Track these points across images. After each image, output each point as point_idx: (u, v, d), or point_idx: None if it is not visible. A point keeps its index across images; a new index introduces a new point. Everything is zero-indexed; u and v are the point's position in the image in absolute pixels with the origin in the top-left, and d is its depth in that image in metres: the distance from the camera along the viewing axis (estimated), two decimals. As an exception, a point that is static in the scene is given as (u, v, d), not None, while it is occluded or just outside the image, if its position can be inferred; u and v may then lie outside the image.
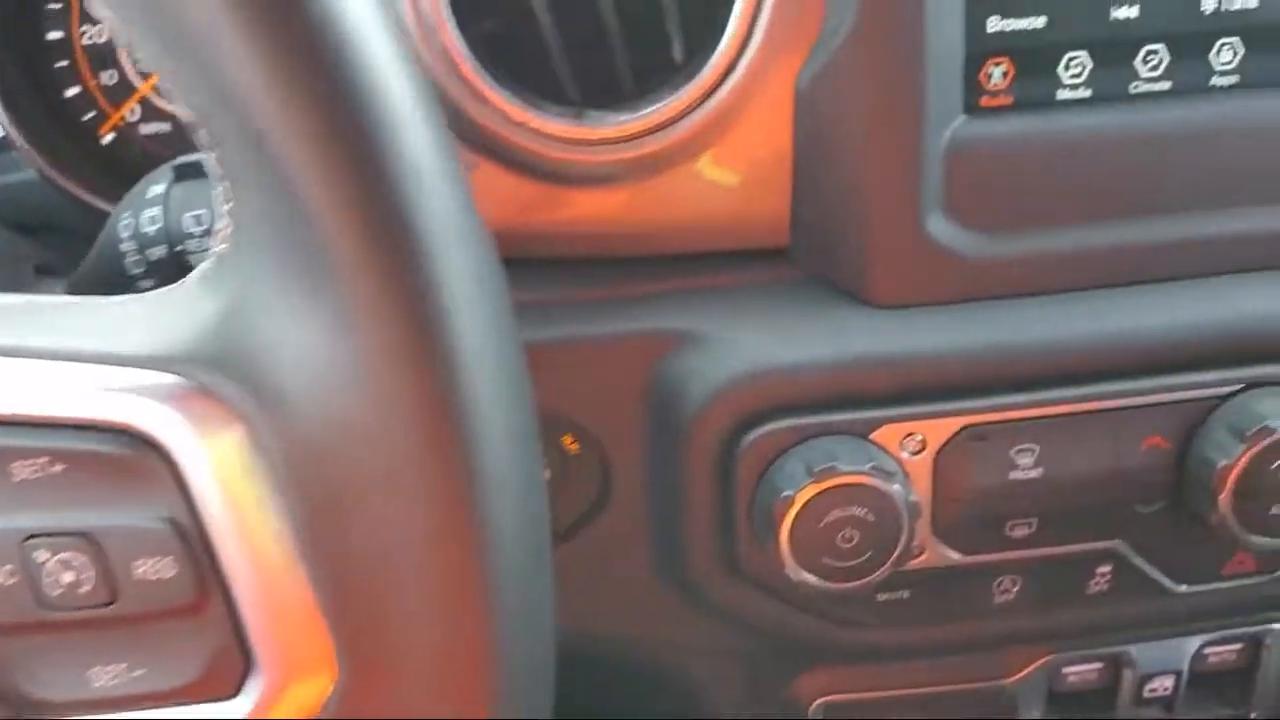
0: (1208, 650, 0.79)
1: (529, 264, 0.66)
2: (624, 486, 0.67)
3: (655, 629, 0.71)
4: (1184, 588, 0.69)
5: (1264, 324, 0.64)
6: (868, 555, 0.62)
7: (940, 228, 0.63)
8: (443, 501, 0.41)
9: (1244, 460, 0.62)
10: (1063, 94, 0.64)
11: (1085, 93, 0.64)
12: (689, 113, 0.62)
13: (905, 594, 0.67)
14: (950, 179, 0.62)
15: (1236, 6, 0.63)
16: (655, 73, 0.62)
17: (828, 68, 0.60)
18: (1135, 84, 0.64)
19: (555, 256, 0.66)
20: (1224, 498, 0.63)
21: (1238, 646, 0.80)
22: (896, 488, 0.61)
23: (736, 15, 0.60)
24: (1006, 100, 0.63)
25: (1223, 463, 0.62)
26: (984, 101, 0.63)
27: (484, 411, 0.41)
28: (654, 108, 0.61)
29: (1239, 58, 0.64)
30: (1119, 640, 0.75)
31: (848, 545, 0.62)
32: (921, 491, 0.64)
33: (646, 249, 0.66)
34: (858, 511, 0.61)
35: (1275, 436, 0.61)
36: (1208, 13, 0.63)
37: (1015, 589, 0.68)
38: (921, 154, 0.61)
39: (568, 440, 0.67)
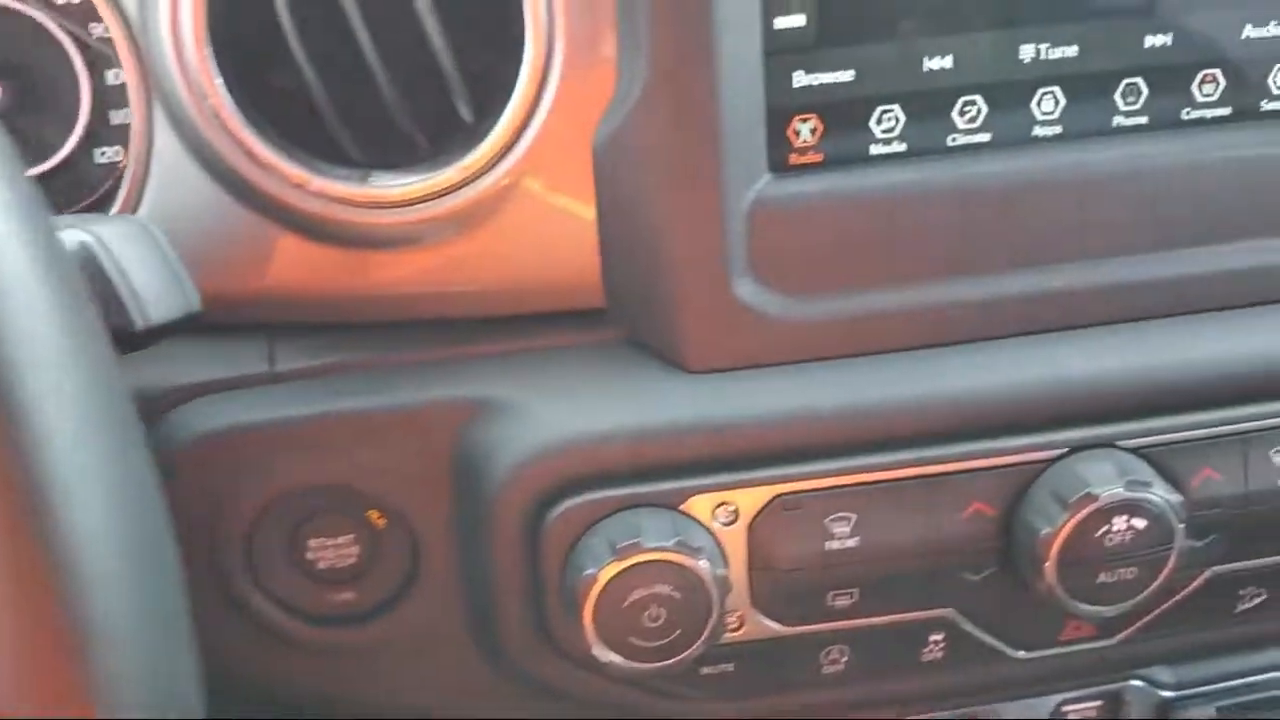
0: (1067, 708, 0.78)
1: (327, 330, 0.64)
2: (435, 561, 0.64)
3: (476, 703, 0.68)
4: (1023, 654, 0.67)
5: (1088, 385, 0.62)
6: (677, 633, 0.59)
7: (749, 291, 0.60)
8: None
9: (1067, 528, 0.60)
10: (876, 149, 0.61)
11: (899, 147, 0.61)
12: (483, 174, 0.59)
13: (730, 667, 0.65)
14: (756, 241, 0.60)
15: (1056, 55, 0.61)
16: (445, 133, 0.60)
17: (622, 128, 0.58)
18: (953, 136, 0.62)
19: (357, 322, 0.64)
20: (1049, 566, 0.60)
21: (1097, 703, 0.78)
22: (704, 563, 0.58)
23: (525, 74, 0.58)
24: (816, 157, 0.61)
25: (1046, 530, 0.60)
26: (793, 159, 0.61)
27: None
28: (443, 170, 0.59)
29: (1061, 107, 0.62)
30: (968, 703, 0.73)
31: (654, 624, 0.59)
32: (736, 563, 0.62)
33: (452, 312, 0.64)
34: (663, 589, 0.59)
35: (1098, 503, 0.59)
36: (1026, 61, 0.61)
37: (844, 659, 0.65)
38: (724, 216, 0.59)
39: (374, 515, 0.64)
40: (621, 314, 0.63)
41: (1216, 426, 0.62)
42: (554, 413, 0.61)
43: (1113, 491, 0.59)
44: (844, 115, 0.60)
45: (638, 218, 0.60)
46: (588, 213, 0.60)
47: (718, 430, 0.60)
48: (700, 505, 0.60)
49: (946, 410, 0.61)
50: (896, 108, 0.61)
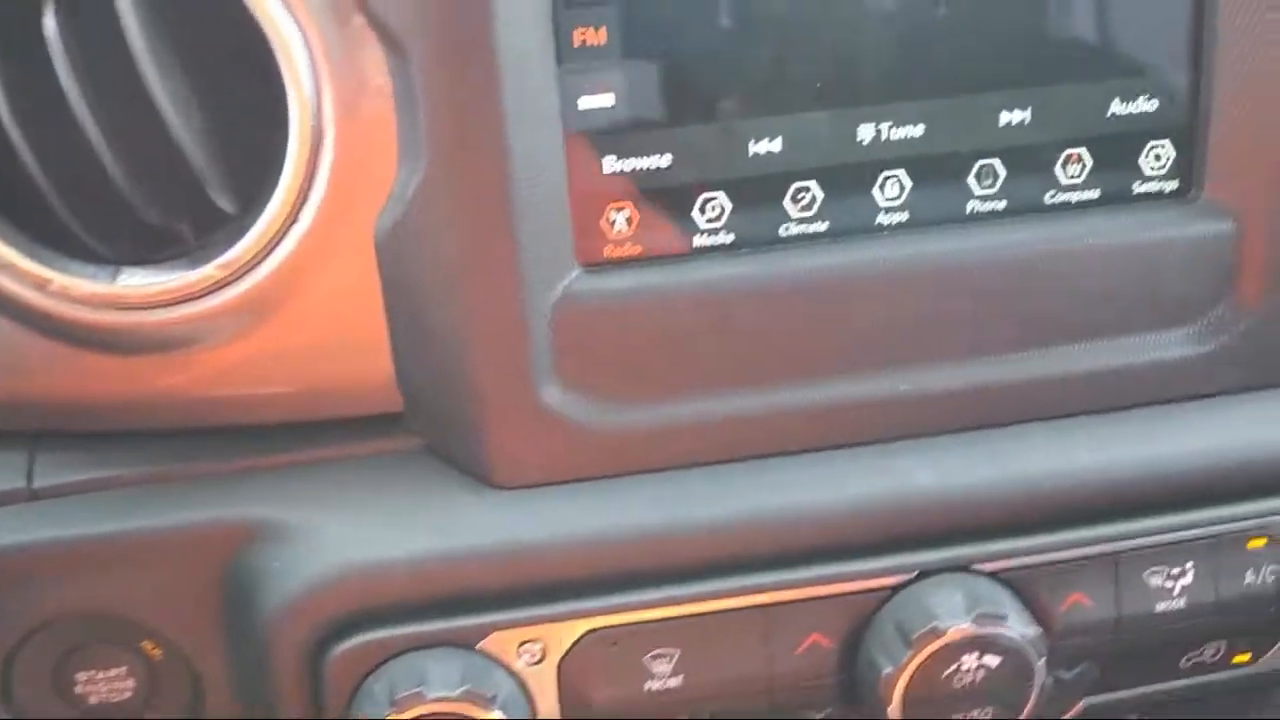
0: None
1: (95, 440, 0.57)
2: (216, 696, 0.57)
3: None
4: (876, 794, 0.61)
5: (938, 501, 0.55)
6: (471, 791, 0.53)
7: (557, 397, 0.54)
8: None
9: (911, 666, 0.53)
10: (700, 240, 0.55)
11: (726, 238, 0.55)
12: (249, 270, 0.52)
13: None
14: (564, 342, 0.53)
15: (900, 135, 0.55)
16: (209, 226, 0.53)
17: (404, 219, 0.51)
18: (786, 226, 0.56)
19: (128, 431, 0.57)
20: (893, 708, 0.54)
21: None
22: (497, 714, 0.52)
23: (293, 160, 0.51)
24: (634, 249, 0.54)
25: (888, 669, 0.54)
26: (608, 251, 0.54)
27: None
28: (201, 267, 0.52)
29: (907, 192, 0.56)
30: None
31: (442, 781, 0.53)
32: (546, 707, 0.55)
33: (233, 420, 0.57)
34: (452, 742, 0.52)
35: (944, 640, 0.53)
36: (865, 143, 0.55)
37: (673, 807, 0.59)
38: (526, 315, 0.52)
39: (149, 645, 0.57)
40: (421, 420, 0.57)
41: (1084, 547, 0.56)
42: (336, 536, 0.54)
43: (959, 627, 0.53)
44: (663, 203, 0.54)
45: (429, 317, 0.53)
46: (371, 308, 0.54)
47: (522, 556, 0.54)
48: (502, 643, 0.54)
49: (780, 531, 0.55)
50: (721, 195, 0.55)
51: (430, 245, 0.52)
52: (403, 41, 0.48)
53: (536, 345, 0.53)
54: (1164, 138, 0.57)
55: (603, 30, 0.51)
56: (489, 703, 0.51)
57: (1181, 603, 0.58)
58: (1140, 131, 0.57)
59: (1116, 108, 0.56)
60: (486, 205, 0.50)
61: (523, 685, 0.54)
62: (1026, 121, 0.56)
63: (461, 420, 0.55)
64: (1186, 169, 0.57)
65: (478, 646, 0.53)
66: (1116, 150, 0.57)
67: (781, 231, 0.56)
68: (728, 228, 0.55)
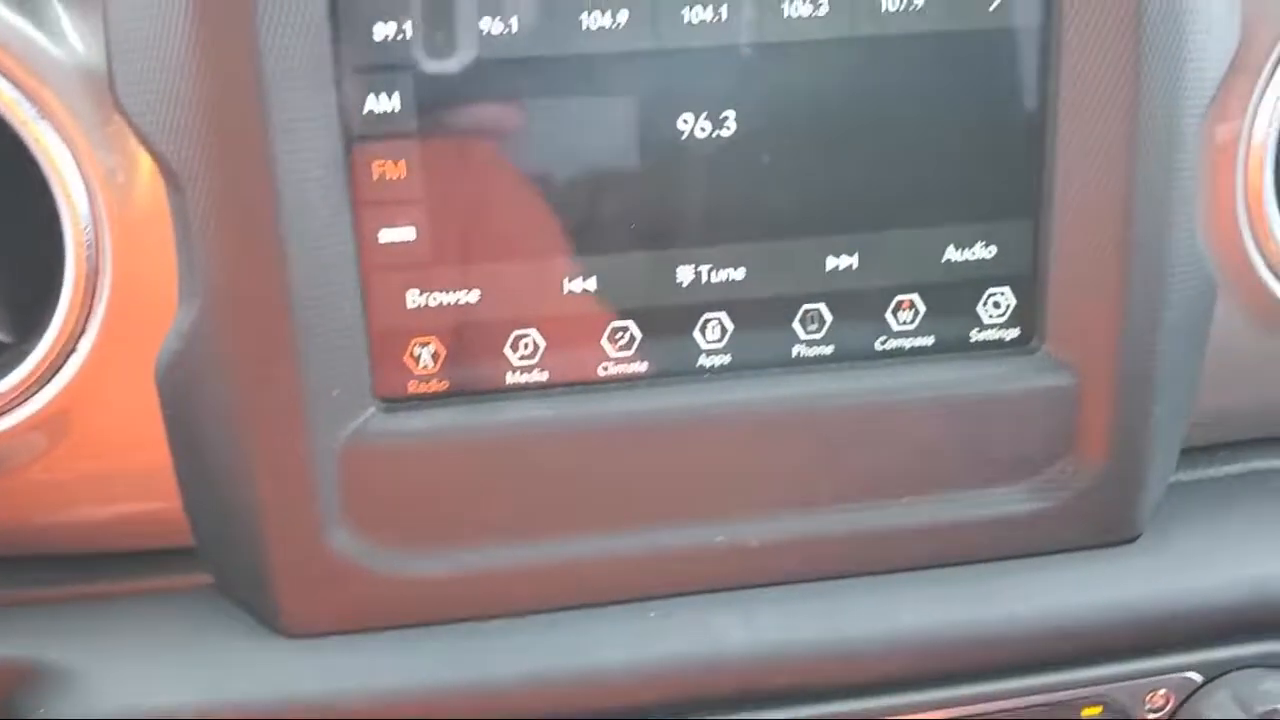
0: None
1: None
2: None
3: None
4: None
5: (748, 661, 0.52)
6: None
7: (346, 543, 0.51)
8: None
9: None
10: (513, 378, 0.53)
11: (541, 376, 0.53)
12: (25, 400, 0.50)
13: None
14: (355, 483, 0.51)
15: (721, 278, 0.53)
16: (-14, 353, 0.51)
17: (184, 354, 0.49)
18: (604, 365, 0.54)
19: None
20: None
21: None
22: None
23: (69, 290, 0.48)
24: (440, 385, 0.52)
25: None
26: (412, 387, 0.52)
27: None
28: (-26, 395, 0.50)
29: (729, 335, 0.54)
30: None
31: None
32: None
33: (18, 548, 0.54)
34: None
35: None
36: (685, 285, 0.53)
37: None
38: (312, 455, 0.50)
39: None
40: (211, 557, 0.54)
41: (907, 713, 0.54)
42: (112, 683, 0.51)
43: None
44: (471, 340, 0.52)
45: (212, 455, 0.50)
46: (154, 442, 0.51)
47: (303, 710, 0.51)
48: (280, 798, 0.51)
49: (581, 688, 0.52)
50: (534, 332, 0.53)
51: (210, 383, 0.49)
52: (179, 175, 0.46)
53: (324, 488, 0.50)
54: (1003, 285, 0.55)
55: (402, 164, 0.49)
56: None
57: (1011, 775, 0.56)
58: (978, 278, 0.55)
59: (951, 254, 0.54)
60: (268, 343, 0.48)
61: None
62: (854, 267, 0.54)
63: (248, 563, 0.52)
64: (1028, 318, 0.55)
65: (253, 804, 0.50)
66: (952, 297, 0.55)
67: (599, 371, 0.53)
68: (541, 366, 0.53)
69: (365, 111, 0.48)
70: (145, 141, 0.47)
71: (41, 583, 0.54)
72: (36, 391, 0.50)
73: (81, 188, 0.47)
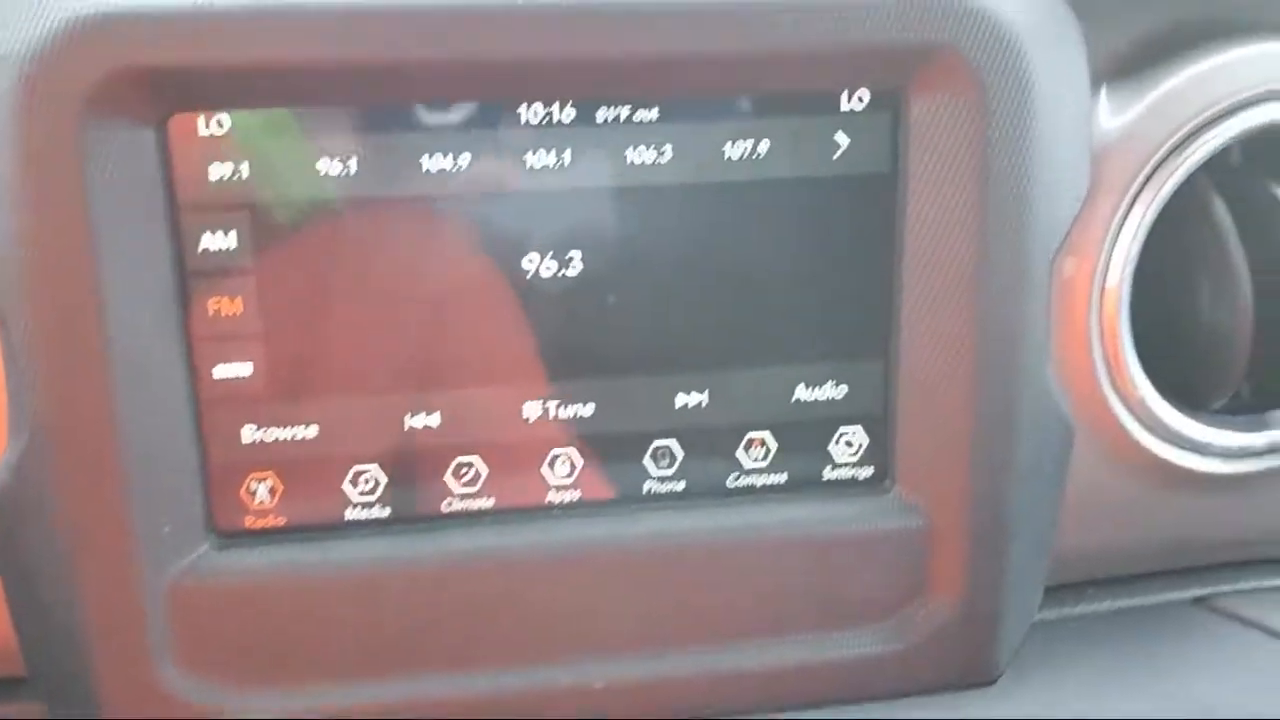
0: None
1: None
2: None
3: None
4: None
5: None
6: None
7: (175, 679, 0.50)
8: None
9: None
10: (353, 513, 0.52)
11: (382, 512, 0.53)
12: None
13: None
14: (185, 620, 0.50)
15: (568, 414, 0.53)
16: None
17: (12, 487, 0.48)
18: (448, 501, 0.53)
19: None
20: None
21: None
22: None
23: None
24: (278, 521, 0.52)
25: None
26: (249, 522, 0.51)
27: None
28: None
29: (578, 472, 0.54)
30: None
31: None
32: None
33: None
34: None
35: None
36: (531, 421, 0.53)
37: None
38: (141, 591, 0.49)
39: None
40: (43, 688, 0.53)
41: None
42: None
43: None
44: (310, 475, 0.51)
45: (42, 588, 0.49)
46: (-9, 572, 0.51)
47: None
48: None
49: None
50: (375, 468, 0.52)
51: (39, 517, 0.48)
52: (4, 310, 0.46)
53: (154, 623, 0.49)
54: (855, 424, 0.55)
55: (238, 300, 0.49)
56: None
57: None
58: (829, 417, 0.54)
59: (801, 393, 0.54)
60: (95, 479, 0.47)
61: None
62: (704, 404, 0.53)
63: (79, 695, 0.51)
64: (880, 457, 0.55)
65: None
66: (803, 435, 0.54)
67: (444, 507, 0.53)
68: (383, 502, 0.52)
69: (201, 249, 0.48)
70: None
71: None
72: None
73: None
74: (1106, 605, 0.62)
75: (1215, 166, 0.56)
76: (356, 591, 0.51)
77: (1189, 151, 0.55)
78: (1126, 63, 0.55)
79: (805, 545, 0.54)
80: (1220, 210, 0.56)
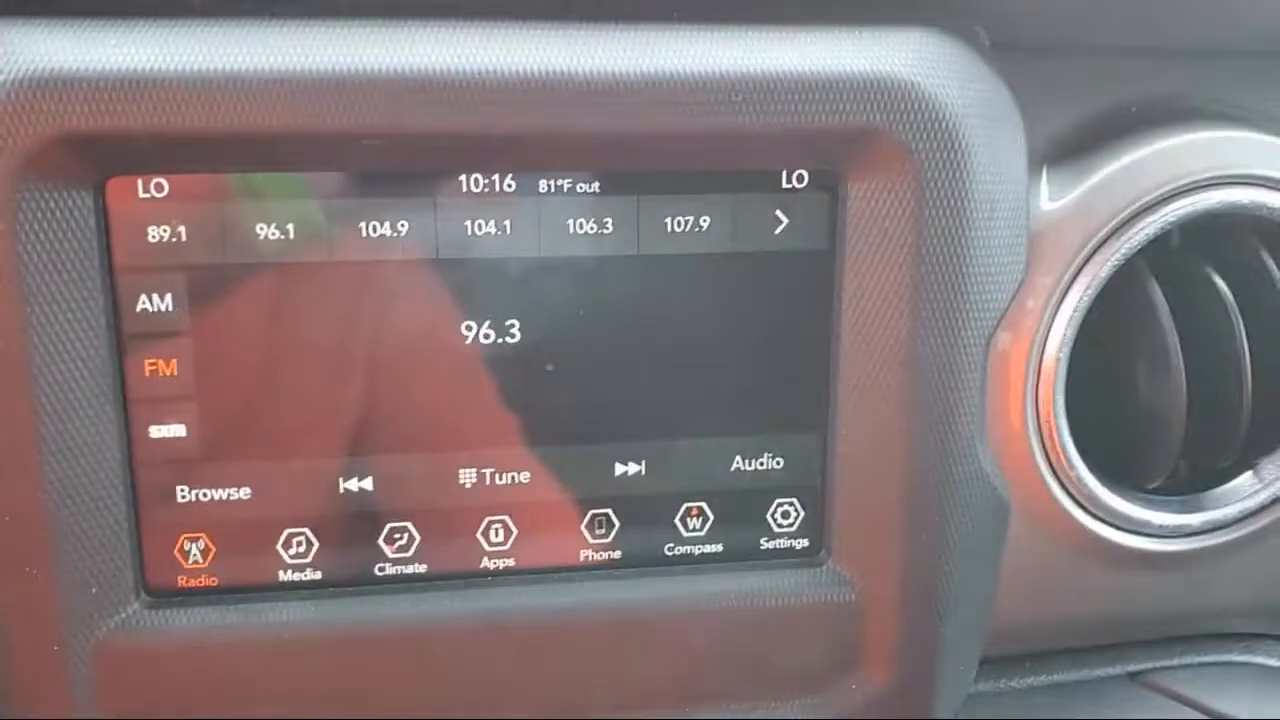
0: None
1: None
2: None
3: None
4: None
5: None
6: None
7: (99, 742, 0.51)
8: None
9: None
10: (285, 575, 0.52)
11: (314, 574, 0.52)
12: None
13: None
14: (112, 678, 0.49)
15: (504, 481, 0.53)
16: None
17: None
18: (381, 566, 0.53)
19: None
20: None
21: None
22: None
23: None
24: (210, 580, 0.51)
25: None
26: (181, 581, 0.51)
27: None
28: None
29: (514, 539, 0.54)
30: None
31: None
32: None
33: None
34: None
35: None
36: (468, 487, 0.53)
37: None
38: (68, 648, 0.49)
39: None
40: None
41: None
42: None
43: None
44: (242, 537, 0.51)
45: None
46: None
47: None
48: None
49: None
50: (307, 531, 0.52)
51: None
52: (-72, 369, 0.46)
53: (79, 681, 0.49)
54: (791, 496, 0.55)
55: (174, 362, 0.49)
56: None
57: None
58: (766, 488, 0.55)
59: (739, 464, 0.54)
60: (20, 542, 0.47)
61: None
62: (642, 474, 0.54)
63: (2, 751, 0.51)
64: (816, 529, 0.56)
65: None
66: (741, 506, 0.55)
67: (377, 571, 0.53)
68: (315, 565, 0.52)
69: (139, 309, 0.48)
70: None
71: None
72: None
73: None
74: (1043, 679, 0.62)
75: (1151, 249, 0.57)
76: (285, 654, 0.51)
77: (1129, 234, 0.55)
78: (1068, 145, 0.56)
79: (741, 615, 0.54)
80: (1155, 293, 0.56)
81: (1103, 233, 0.55)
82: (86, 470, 0.48)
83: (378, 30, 0.46)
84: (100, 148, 0.45)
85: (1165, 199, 0.56)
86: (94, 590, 0.49)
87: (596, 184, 0.50)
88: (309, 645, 0.51)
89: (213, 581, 0.51)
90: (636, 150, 0.49)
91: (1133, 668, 0.63)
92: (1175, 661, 0.63)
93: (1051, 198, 0.55)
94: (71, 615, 0.49)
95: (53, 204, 0.45)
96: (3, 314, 0.45)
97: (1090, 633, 0.63)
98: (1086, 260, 0.55)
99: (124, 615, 0.50)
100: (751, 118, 0.48)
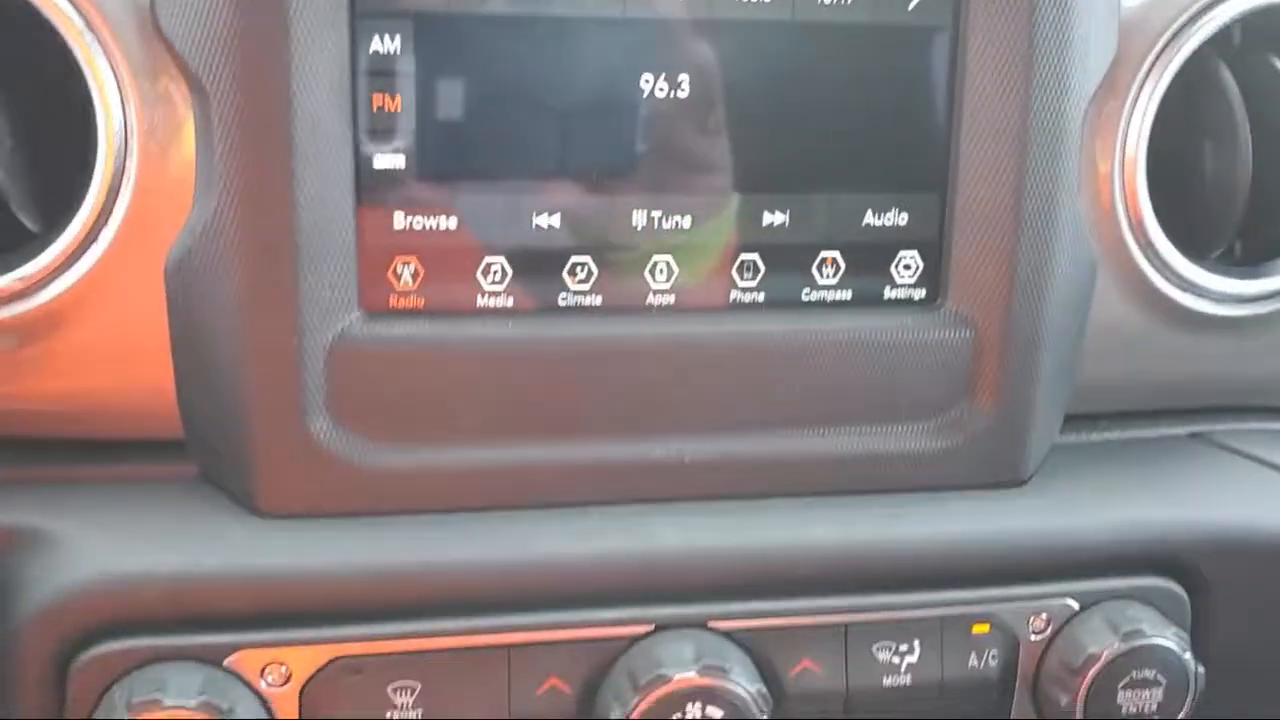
0: None
1: None
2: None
3: None
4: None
5: (679, 561, 0.59)
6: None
7: (326, 431, 0.57)
8: None
9: (638, 710, 0.56)
10: (482, 300, 0.60)
11: (506, 301, 0.60)
12: (44, 285, 0.55)
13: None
14: (335, 380, 0.57)
15: (669, 225, 0.61)
16: (11, 242, 0.56)
17: (192, 251, 0.55)
18: (564, 295, 0.60)
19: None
20: (621, 753, 0.57)
21: None
22: (235, 727, 0.54)
23: (97, 182, 0.55)
24: (417, 302, 0.59)
25: (617, 713, 0.56)
26: (394, 301, 0.59)
27: None
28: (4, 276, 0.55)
29: (675, 277, 0.61)
30: None
31: (176, 791, 0.54)
32: (289, 729, 0.57)
33: (15, 430, 0.59)
34: (194, 754, 0.54)
35: (669, 686, 0.56)
36: (639, 228, 0.60)
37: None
38: (300, 351, 0.56)
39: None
40: (199, 448, 0.60)
41: (815, 615, 0.60)
42: (94, 547, 0.56)
43: (685, 675, 0.56)
44: (447, 263, 0.59)
45: (209, 348, 0.56)
46: (158, 335, 0.57)
47: (273, 581, 0.56)
48: (248, 662, 0.55)
49: (528, 577, 0.58)
50: (503, 260, 0.60)
51: (214, 280, 0.55)
52: (203, 82, 0.53)
53: (309, 381, 0.56)
54: (913, 249, 0.63)
55: (398, 98, 0.57)
56: (224, 714, 0.53)
57: (908, 679, 0.62)
58: (891, 243, 0.63)
59: (870, 218, 0.62)
60: (271, 245, 0.54)
61: (266, 705, 0.55)
62: (786, 224, 0.62)
63: (233, 447, 0.57)
64: (933, 280, 0.64)
65: (224, 663, 0.55)
66: (869, 257, 0.63)
67: (559, 301, 0.60)
68: (508, 292, 0.60)
69: (371, 50, 0.56)
70: (179, 60, 0.54)
71: (36, 462, 0.59)
72: (55, 279, 0.55)
73: (118, 98, 0.54)
74: (1116, 435, 0.70)
75: (1223, 39, 0.65)
76: (481, 368, 0.59)
77: (1196, 28, 0.64)
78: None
79: (866, 351, 0.62)
80: (1227, 78, 0.65)
81: (1182, 19, 0.63)
82: (326, 191, 0.55)
83: None
84: None
85: (1225, -2, 0.64)
86: (329, 296, 0.56)
87: (759, -41, 0.58)
88: (501, 362, 0.59)
89: (420, 304, 0.59)
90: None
91: (1196, 428, 0.72)
92: (1234, 426, 0.72)
93: (1133, -6, 0.64)
94: (307, 318, 0.56)
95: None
96: (271, 45, 0.53)
97: (1157, 395, 0.71)
98: (1168, 44, 0.63)
99: (345, 324, 0.57)
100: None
